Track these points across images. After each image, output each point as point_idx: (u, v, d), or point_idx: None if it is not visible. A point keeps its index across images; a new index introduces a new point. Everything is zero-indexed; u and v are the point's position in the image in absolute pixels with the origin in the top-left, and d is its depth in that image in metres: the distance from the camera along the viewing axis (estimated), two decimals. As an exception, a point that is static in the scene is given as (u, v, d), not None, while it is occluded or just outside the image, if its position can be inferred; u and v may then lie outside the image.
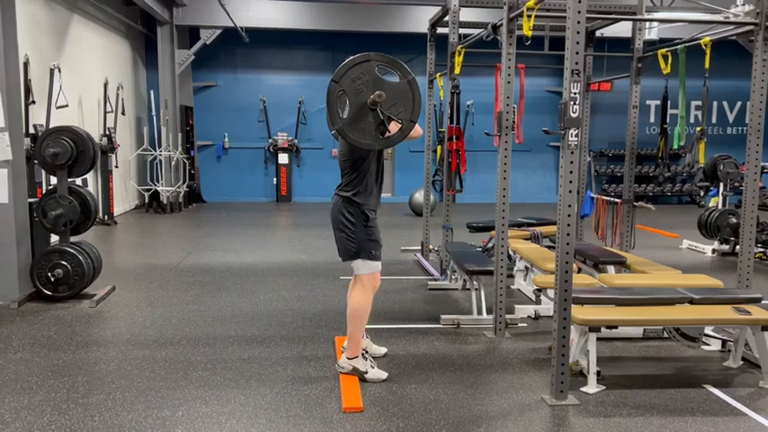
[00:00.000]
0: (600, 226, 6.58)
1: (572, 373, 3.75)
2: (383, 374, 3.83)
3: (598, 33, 6.90)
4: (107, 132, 10.19)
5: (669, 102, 5.81)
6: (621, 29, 7.47)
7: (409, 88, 3.50)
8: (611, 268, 5.50)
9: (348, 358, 3.84)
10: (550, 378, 3.60)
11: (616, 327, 3.97)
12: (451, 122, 6.05)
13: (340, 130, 3.49)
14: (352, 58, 3.54)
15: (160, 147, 11.86)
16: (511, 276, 5.93)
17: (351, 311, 3.83)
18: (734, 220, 7.87)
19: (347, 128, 3.47)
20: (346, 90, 3.45)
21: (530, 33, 4.08)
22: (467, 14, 6.48)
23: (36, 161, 5.76)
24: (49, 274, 5.37)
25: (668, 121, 5.90)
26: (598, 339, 3.79)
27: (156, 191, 11.86)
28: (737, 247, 4.71)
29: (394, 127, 3.53)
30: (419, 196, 11.34)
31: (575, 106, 3.37)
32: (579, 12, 3.32)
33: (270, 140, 13.84)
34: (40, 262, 5.42)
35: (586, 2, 3.35)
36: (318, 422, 3.28)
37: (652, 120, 14.48)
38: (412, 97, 3.50)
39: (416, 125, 3.61)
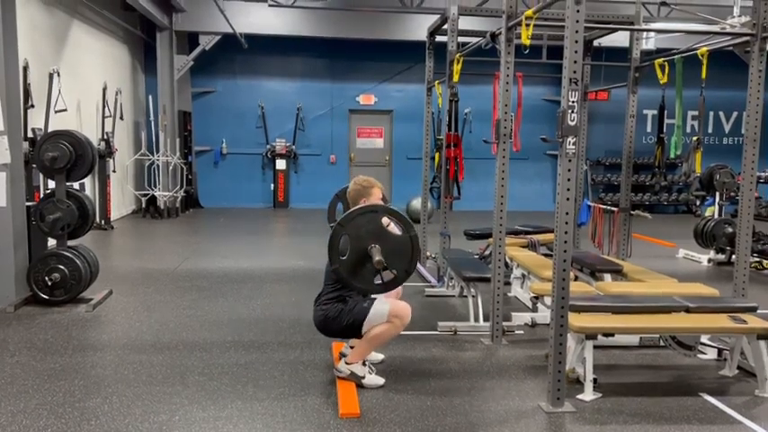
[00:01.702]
0: (597, 234, 6.60)
1: (568, 380, 3.76)
2: (380, 380, 3.84)
3: (596, 43, 6.95)
4: (105, 137, 10.20)
5: (666, 111, 5.85)
6: (619, 38, 7.52)
7: (410, 243, 3.58)
8: (607, 276, 5.52)
9: (347, 363, 3.84)
10: (547, 385, 3.61)
11: (613, 334, 3.98)
12: (450, 130, 6.08)
13: (336, 271, 3.60)
14: (360, 206, 3.67)
15: (158, 152, 11.87)
16: (508, 284, 5.93)
17: (375, 333, 3.76)
18: (730, 229, 7.89)
19: (345, 271, 3.58)
20: (350, 234, 3.55)
21: (528, 42, 4.11)
22: (465, 23, 6.52)
23: (34, 165, 5.77)
24: (46, 277, 5.36)
25: (665, 130, 5.93)
26: (594, 347, 3.80)
27: (153, 196, 11.86)
28: (733, 256, 4.73)
29: (389, 275, 3.60)
30: (417, 203, 11.35)
31: (573, 114, 3.39)
32: (578, 21, 3.35)
33: (268, 146, 13.85)
34: (37, 266, 5.41)
35: (585, 11, 3.38)
36: (315, 428, 3.28)
37: (649, 129, 14.54)
38: (411, 252, 3.59)
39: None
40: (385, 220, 3.61)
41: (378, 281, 3.59)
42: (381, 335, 3.77)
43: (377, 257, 3.45)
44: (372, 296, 3.88)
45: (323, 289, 3.92)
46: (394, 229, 3.65)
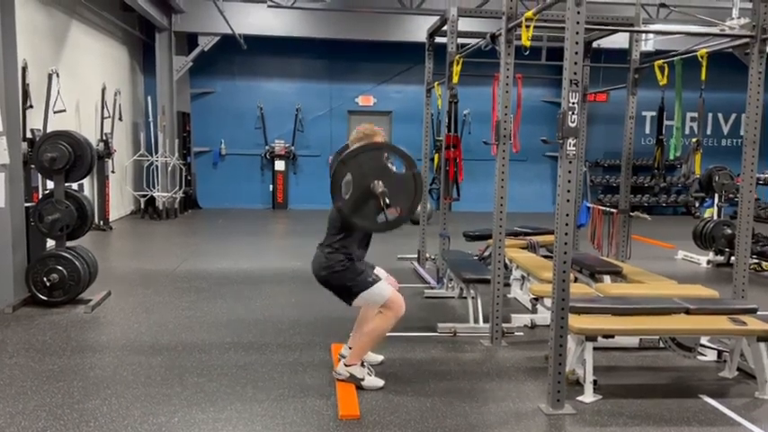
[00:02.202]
0: (596, 236, 6.60)
1: (568, 382, 3.76)
2: (380, 382, 3.83)
3: (595, 44, 6.94)
4: (104, 137, 10.19)
5: (665, 113, 5.84)
6: (618, 40, 7.52)
7: (413, 181, 3.57)
8: (607, 278, 5.52)
9: (346, 365, 3.83)
10: (547, 387, 3.60)
11: (612, 336, 3.97)
12: (449, 131, 6.07)
13: (340, 210, 3.56)
14: (363, 144, 3.67)
15: (157, 152, 11.85)
16: (507, 285, 5.93)
17: (369, 329, 3.79)
18: (729, 231, 7.89)
19: (348, 209, 3.54)
20: (352, 172, 3.53)
21: (528, 44, 4.11)
22: (465, 24, 6.51)
23: (33, 165, 5.75)
24: (45, 278, 5.34)
25: (664, 132, 5.93)
26: (594, 349, 3.79)
27: (152, 197, 11.84)
28: (732, 257, 4.73)
29: (392, 213, 3.59)
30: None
31: (573, 116, 3.39)
32: (578, 23, 3.35)
33: (267, 147, 13.84)
34: (35, 266, 5.40)
35: (585, 13, 3.38)
36: (315, 429, 3.28)
37: (647, 131, 14.55)
38: (414, 190, 3.58)
39: None
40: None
41: (381, 218, 3.56)
42: (374, 331, 3.77)
43: (380, 189, 3.43)
44: (377, 274, 3.85)
45: (326, 237, 3.81)
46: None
